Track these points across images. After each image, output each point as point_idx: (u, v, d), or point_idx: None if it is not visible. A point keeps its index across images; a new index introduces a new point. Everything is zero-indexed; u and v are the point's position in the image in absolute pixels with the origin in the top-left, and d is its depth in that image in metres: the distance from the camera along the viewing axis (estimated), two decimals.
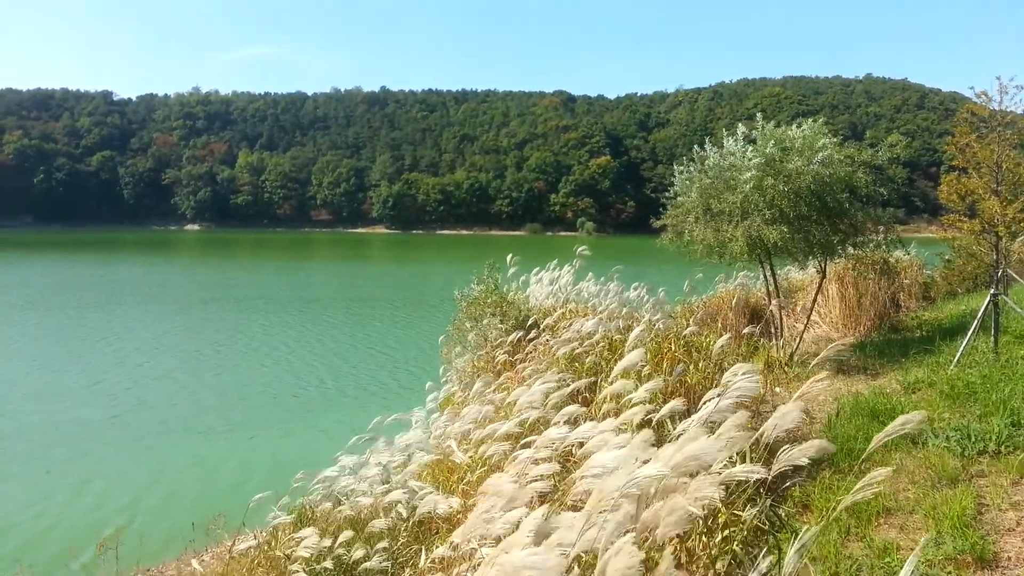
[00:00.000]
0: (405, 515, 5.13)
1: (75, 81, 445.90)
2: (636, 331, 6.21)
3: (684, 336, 7.64)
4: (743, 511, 4.00)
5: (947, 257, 15.86)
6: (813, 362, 5.60)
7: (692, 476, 3.34)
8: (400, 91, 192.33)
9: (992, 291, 7.72)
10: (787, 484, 4.67)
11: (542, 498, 3.83)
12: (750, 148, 9.17)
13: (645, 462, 3.49)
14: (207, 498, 10.85)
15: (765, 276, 10.51)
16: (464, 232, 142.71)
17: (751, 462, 4.33)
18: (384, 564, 4.71)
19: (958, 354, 7.64)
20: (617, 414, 5.21)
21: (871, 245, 9.92)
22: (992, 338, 7.81)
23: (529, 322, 9.89)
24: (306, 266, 64.94)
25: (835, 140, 9.26)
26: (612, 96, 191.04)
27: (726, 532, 3.79)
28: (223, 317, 30.52)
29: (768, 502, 4.15)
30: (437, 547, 4.20)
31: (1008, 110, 7.50)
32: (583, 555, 3.08)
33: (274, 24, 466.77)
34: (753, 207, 8.82)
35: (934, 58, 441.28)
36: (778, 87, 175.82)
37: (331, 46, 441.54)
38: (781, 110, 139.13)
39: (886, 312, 12.57)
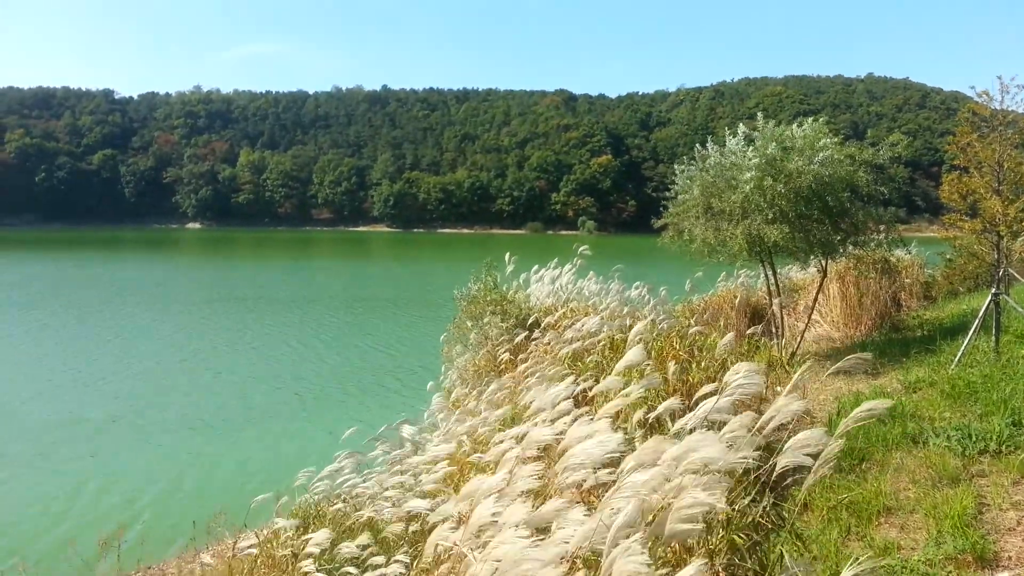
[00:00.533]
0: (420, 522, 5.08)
1: (77, 80, 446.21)
2: (637, 327, 6.21)
3: (688, 335, 7.65)
4: (744, 509, 4.02)
5: (948, 256, 15.84)
6: (829, 369, 5.60)
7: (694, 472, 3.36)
8: (401, 90, 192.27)
9: (993, 290, 7.72)
10: (787, 481, 4.67)
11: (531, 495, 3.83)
12: (751, 148, 9.17)
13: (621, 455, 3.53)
14: (210, 496, 10.86)
15: (766, 275, 10.52)
16: (465, 231, 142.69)
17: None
18: (403, 572, 4.67)
19: (959, 353, 7.63)
20: (618, 415, 5.23)
21: (872, 244, 9.91)
22: (993, 337, 7.81)
23: (531, 321, 9.90)
24: (308, 265, 64.98)
25: (836, 140, 9.25)
26: (613, 95, 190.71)
27: (722, 532, 3.80)
28: (226, 316, 30.55)
29: (771, 500, 4.16)
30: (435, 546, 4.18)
31: (1009, 109, 7.49)
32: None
33: (275, 22, 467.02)
34: (754, 207, 8.82)
35: (935, 57, 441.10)
36: (779, 86, 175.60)
37: (332, 45, 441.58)
38: (782, 109, 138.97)
39: (887, 311, 12.57)
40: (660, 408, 4.45)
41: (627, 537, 2.80)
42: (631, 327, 9.23)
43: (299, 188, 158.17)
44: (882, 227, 9.76)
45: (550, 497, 3.81)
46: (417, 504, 4.74)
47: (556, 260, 12.66)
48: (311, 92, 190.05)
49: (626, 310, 10.88)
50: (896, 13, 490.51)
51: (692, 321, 9.62)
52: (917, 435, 5.59)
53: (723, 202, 9.11)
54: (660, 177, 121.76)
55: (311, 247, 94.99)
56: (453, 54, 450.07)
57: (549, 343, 8.91)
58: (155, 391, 17.64)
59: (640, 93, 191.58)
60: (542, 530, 3.23)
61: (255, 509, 7.05)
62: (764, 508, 4.12)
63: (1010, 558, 3.88)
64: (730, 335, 6.71)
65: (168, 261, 67.61)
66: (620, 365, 4.93)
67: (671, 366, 6.20)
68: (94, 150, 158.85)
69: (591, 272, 12.55)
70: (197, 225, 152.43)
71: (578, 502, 4.07)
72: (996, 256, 7.87)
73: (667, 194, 10.38)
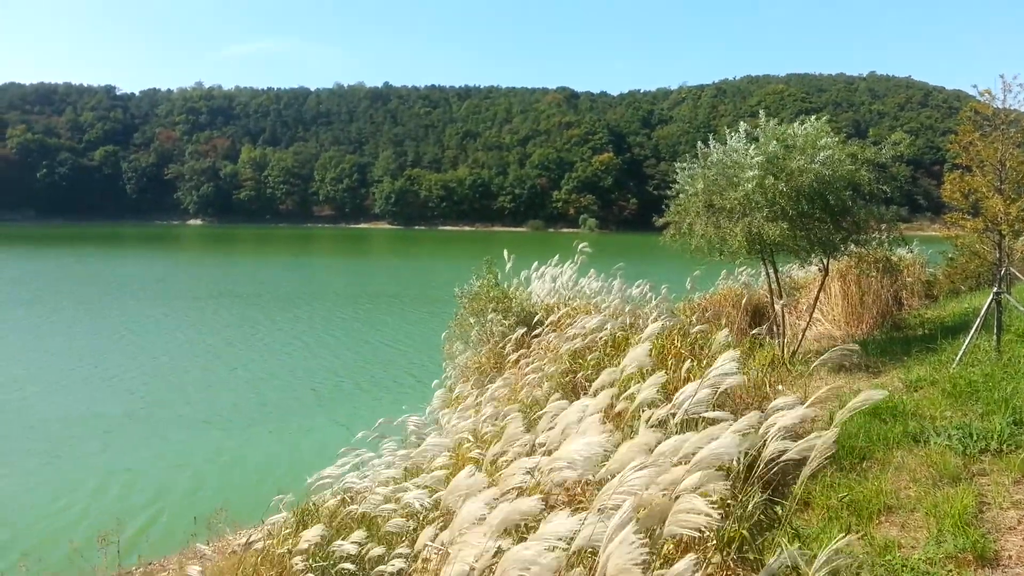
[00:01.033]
0: (421, 516, 5.07)
1: (78, 76, 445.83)
2: (651, 328, 6.19)
3: (690, 333, 7.65)
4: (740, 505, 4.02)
5: (950, 255, 15.82)
6: (815, 362, 5.61)
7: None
8: (403, 87, 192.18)
9: (995, 289, 7.71)
10: (780, 477, 4.67)
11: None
12: (752, 146, 9.16)
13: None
14: (212, 493, 10.91)
15: (767, 274, 10.51)
16: (466, 228, 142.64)
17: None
18: (402, 566, 4.66)
19: (960, 352, 7.63)
20: (620, 415, 5.23)
21: (874, 243, 9.90)
22: (995, 336, 7.80)
23: (535, 319, 9.90)
24: (311, 262, 65.03)
25: (838, 138, 9.24)
26: (615, 93, 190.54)
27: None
28: (232, 312, 30.57)
29: (765, 496, 4.16)
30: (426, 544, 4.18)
31: (1012, 108, 7.47)
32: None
33: (277, 19, 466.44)
34: (754, 204, 8.81)
35: (938, 56, 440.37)
36: (782, 84, 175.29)
37: (334, 42, 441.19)
38: (784, 107, 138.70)
39: (888, 310, 12.56)
40: (639, 393, 4.45)
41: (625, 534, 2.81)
42: (632, 325, 9.25)
43: (300, 185, 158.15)
44: (884, 226, 9.75)
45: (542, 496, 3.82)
46: (412, 498, 4.74)
47: (557, 257, 12.66)
48: (313, 89, 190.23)
49: (628, 308, 10.88)
50: (898, 11, 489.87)
51: (694, 319, 9.61)
52: (918, 434, 5.59)
53: (724, 199, 9.11)
54: (662, 175, 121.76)
55: (313, 244, 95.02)
56: (455, 51, 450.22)
57: (551, 341, 8.92)
58: (166, 387, 17.66)
59: (642, 91, 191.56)
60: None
61: (258, 506, 7.06)
62: (756, 503, 4.12)
63: (1010, 557, 3.88)
64: (725, 331, 6.70)
65: (171, 257, 67.67)
66: (626, 362, 4.90)
67: (671, 363, 6.21)
68: (96, 146, 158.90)
69: (592, 270, 12.55)
70: (199, 222, 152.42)
71: (565, 502, 4.08)
72: (998, 255, 7.85)
73: (668, 192, 10.37)
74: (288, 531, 5.89)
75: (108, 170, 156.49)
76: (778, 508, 4.47)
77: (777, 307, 10.44)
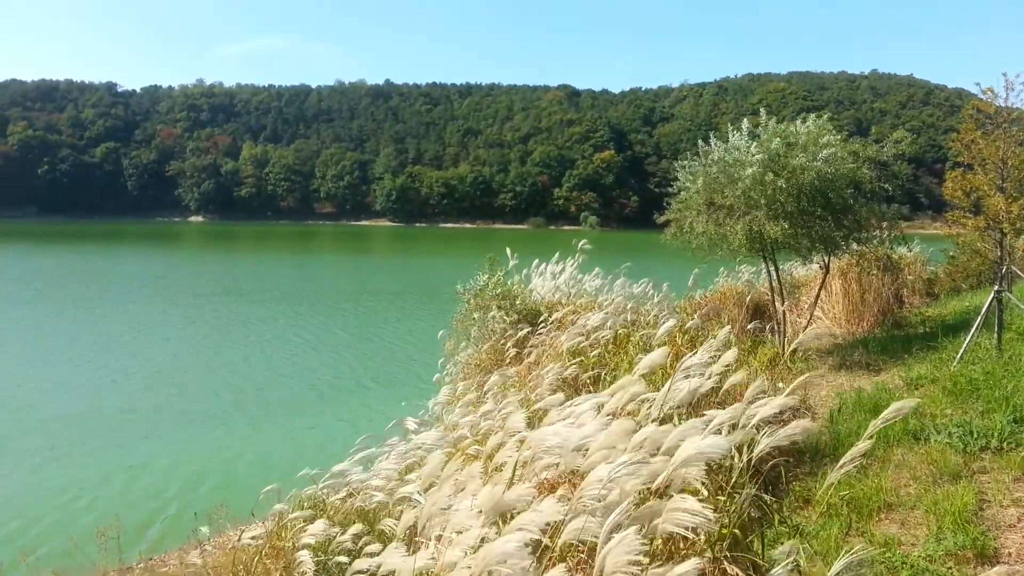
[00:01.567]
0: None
1: (79, 72, 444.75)
2: (664, 327, 6.18)
3: (691, 331, 7.66)
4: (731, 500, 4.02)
5: (951, 253, 15.82)
6: (793, 344, 5.63)
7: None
8: (404, 84, 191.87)
9: (996, 288, 7.71)
10: (771, 472, 4.67)
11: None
12: (753, 143, 9.15)
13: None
14: (213, 489, 10.92)
15: (768, 272, 10.51)
16: (467, 225, 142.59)
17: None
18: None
19: (961, 350, 7.63)
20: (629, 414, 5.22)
21: (875, 241, 9.90)
22: (995, 335, 7.80)
23: (540, 318, 9.91)
24: (313, 259, 65.04)
25: (840, 136, 9.23)
26: (616, 90, 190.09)
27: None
28: (232, 310, 30.52)
29: (752, 490, 4.16)
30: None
31: (1014, 106, 7.47)
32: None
33: (278, 16, 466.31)
34: (754, 202, 8.81)
35: (940, 54, 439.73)
36: (783, 82, 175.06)
37: (335, 39, 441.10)
38: (786, 105, 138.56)
39: (889, 308, 12.56)
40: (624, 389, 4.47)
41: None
42: (634, 323, 9.25)
43: (301, 182, 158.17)
44: (885, 224, 9.75)
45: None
46: (409, 491, 4.74)
47: (557, 255, 12.67)
48: (314, 86, 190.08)
49: (630, 306, 10.89)
50: (900, 10, 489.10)
51: (695, 317, 9.62)
52: (919, 431, 5.59)
53: (724, 197, 9.11)
54: (663, 173, 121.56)
55: (314, 241, 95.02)
56: (456, 49, 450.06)
57: (553, 338, 8.92)
58: (166, 384, 17.63)
59: (643, 88, 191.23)
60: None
61: (261, 501, 7.06)
62: (744, 497, 4.12)
63: (1010, 554, 3.89)
64: (727, 328, 6.70)
65: (171, 255, 67.67)
66: (641, 365, 4.87)
67: (671, 359, 6.20)
68: (97, 143, 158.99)
69: (597, 268, 12.56)
70: (200, 219, 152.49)
71: (548, 491, 4.09)
72: (999, 253, 7.85)
73: (670, 189, 10.37)
74: (291, 525, 5.88)
75: (109, 167, 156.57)
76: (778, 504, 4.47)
77: (777, 303, 10.44)
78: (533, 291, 11.78)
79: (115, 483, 11.54)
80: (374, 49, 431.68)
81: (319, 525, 5.03)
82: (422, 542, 3.60)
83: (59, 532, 9.43)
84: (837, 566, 2.78)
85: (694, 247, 9.93)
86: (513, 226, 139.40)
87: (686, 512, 3.08)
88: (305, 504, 6.40)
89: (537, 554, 3.17)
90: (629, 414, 5.03)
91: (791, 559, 3.20)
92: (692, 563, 2.82)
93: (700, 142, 10.00)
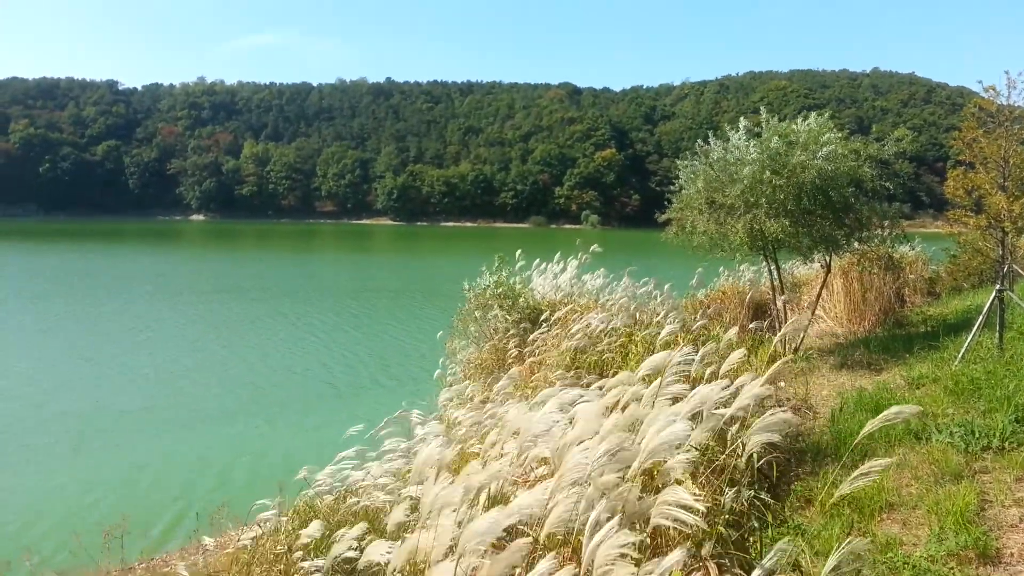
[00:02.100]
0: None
1: (80, 70, 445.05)
2: (668, 328, 6.18)
3: (693, 330, 7.66)
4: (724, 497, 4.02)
5: (952, 252, 15.80)
6: (778, 333, 5.63)
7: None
8: (405, 82, 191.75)
9: (997, 287, 7.70)
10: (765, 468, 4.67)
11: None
12: (753, 142, 9.15)
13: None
14: (215, 489, 10.93)
15: (770, 271, 10.50)
16: (468, 224, 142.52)
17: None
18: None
19: (963, 350, 7.63)
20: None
21: (876, 240, 9.89)
22: (997, 334, 7.79)
23: (542, 317, 9.91)
24: (315, 257, 65.05)
25: (841, 135, 9.22)
26: (618, 88, 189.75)
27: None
28: (233, 308, 30.53)
29: (748, 491, 4.16)
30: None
31: (1016, 105, 7.45)
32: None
33: (279, 13, 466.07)
34: (753, 201, 8.81)
35: (941, 52, 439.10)
36: (784, 80, 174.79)
37: (336, 37, 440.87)
38: (787, 103, 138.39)
39: (891, 307, 12.55)
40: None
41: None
42: (637, 322, 9.25)
43: (303, 180, 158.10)
44: (886, 223, 9.74)
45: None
46: (410, 491, 4.75)
47: (559, 254, 12.66)
48: (315, 84, 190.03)
49: (633, 306, 10.88)
50: (902, 7, 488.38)
51: (697, 316, 9.62)
52: (920, 431, 5.58)
53: (725, 196, 9.11)
54: (664, 171, 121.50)
55: (315, 239, 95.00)
56: (457, 47, 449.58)
57: (555, 337, 8.92)
58: (168, 383, 17.65)
59: (645, 87, 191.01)
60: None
61: (261, 502, 7.06)
62: (740, 495, 4.13)
63: (1012, 555, 3.88)
64: (733, 329, 6.70)
65: (173, 253, 67.68)
66: (647, 364, 4.88)
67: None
68: (98, 141, 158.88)
69: (602, 268, 12.56)
70: (201, 217, 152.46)
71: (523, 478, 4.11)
72: (1001, 252, 7.84)
73: (671, 188, 10.37)
74: (290, 527, 5.89)
75: (110, 165, 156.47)
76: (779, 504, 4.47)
77: (778, 302, 10.43)
78: (534, 290, 11.78)
79: (118, 482, 11.55)
80: (375, 47, 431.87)
81: (315, 527, 5.03)
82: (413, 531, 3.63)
83: (63, 531, 9.44)
84: (832, 560, 2.78)
85: (695, 246, 9.93)
86: (514, 225, 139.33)
87: (676, 505, 3.09)
88: (301, 506, 6.40)
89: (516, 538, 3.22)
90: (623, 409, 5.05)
91: (783, 552, 3.19)
92: (677, 554, 2.82)
93: (700, 142, 10.00)
